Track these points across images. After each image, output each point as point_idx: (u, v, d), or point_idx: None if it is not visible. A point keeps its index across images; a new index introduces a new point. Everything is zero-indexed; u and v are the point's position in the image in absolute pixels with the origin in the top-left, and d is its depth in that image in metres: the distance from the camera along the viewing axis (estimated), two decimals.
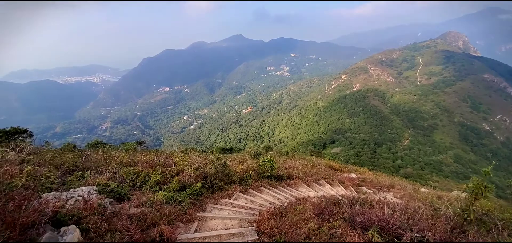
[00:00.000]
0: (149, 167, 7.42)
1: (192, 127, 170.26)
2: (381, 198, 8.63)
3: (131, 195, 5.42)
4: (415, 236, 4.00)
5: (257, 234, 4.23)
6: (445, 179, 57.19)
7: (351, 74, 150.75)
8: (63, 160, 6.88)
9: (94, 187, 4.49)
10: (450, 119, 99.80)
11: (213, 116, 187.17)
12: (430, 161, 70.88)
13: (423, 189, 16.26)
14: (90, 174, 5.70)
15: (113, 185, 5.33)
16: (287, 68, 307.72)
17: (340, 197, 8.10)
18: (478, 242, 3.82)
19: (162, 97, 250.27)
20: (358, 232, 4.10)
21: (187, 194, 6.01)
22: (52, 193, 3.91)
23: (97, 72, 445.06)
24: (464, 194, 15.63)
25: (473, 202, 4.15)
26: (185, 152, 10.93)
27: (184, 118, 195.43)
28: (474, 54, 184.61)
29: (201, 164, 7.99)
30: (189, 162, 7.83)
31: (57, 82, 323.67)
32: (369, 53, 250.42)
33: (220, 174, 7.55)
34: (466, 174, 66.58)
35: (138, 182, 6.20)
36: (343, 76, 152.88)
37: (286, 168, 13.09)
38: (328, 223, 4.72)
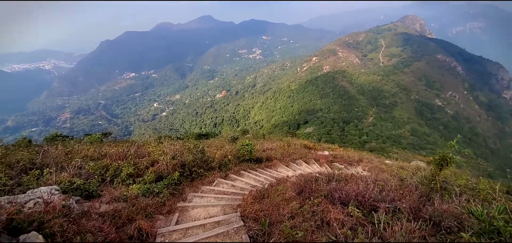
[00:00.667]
0: (120, 159, 6.90)
1: (164, 114, 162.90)
2: (353, 172, 9.18)
3: (101, 191, 4.97)
4: (388, 206, 4.31)
5: (242, 219, 4.19)
6: (404, 151, 63.14)
7: (321, 56, 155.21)
8: (17, 158, 6.06)
9: (56, 187, 3.98)
10: (408, 97, 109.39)
11: (186, 101, 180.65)
12: (391, 135, 77.56)
13: (387, 161, 17.79)
14: (50, 172, 5.07)
15: (79, 182, 4.82)
16: (260, 51, 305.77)
17: (317, 175, 8.45)
18: (444, 208, 4.22)
19: (128, 84, 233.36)
20: (338, 207, 4.28)
21: (165, 185, 5.71)
22: (5, 196, 3.37)
23: (48, 57, 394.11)
24: (422, 163, 17.42)
25: (439, 172, 4.54)
26: (158, 140, 10.37)
27: (155, 105, 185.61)
28: (429, 36, 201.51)
29: (177, 152, 7.63)
30: (164, 151, 7.43)
31: (2, 70, 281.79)
32: (337, 35, 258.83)
33: (198, 161, 7.31)
34: (421, 145, 74.52)
35: (107, 176, 5.71)
36: (314, 59, 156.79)
37: (264, 150, 13.23)
38: (309, 201, 4.86)
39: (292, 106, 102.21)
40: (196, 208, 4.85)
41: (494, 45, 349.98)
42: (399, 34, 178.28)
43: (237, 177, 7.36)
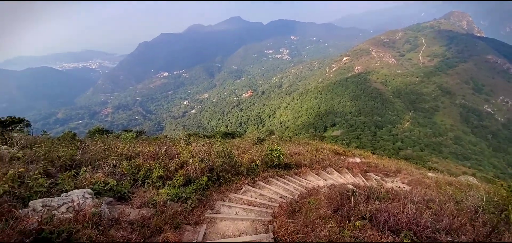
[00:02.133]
0: (151, 159, 6.97)
1: (193, 111, 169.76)
2: (394, 186, 8.24)
3: (133, 193, 4.98)
4: (451, 241, 3.59)
5: (275, 241, 3.81)
6: (445, 160, 57.44)
7: (353, 56, 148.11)
8: (58, 154, 6.39)
9: (89, 190, 4.01)
10: (452, 101, 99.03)
11: (214, 100, 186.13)
12: (430, 143, 70.95)
13: (430, 174, 15.97)
14: (86, 171, 5.22)
15: (112, 183, 4.87)
16: (287, 51, 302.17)
17: (351, 186, 7.72)
18: None
19: (162, 82, 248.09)
20: (388, 236, 3.68)
21: (193, 190, 5.58)
22: (41, 199, 3.44)
23: (93, 57, 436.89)
24: (472, 179, 15.34)
25: None
26: (188, 140, 10.46)
27: (185, 103, 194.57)
28: (478, 34, 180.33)
29: (205, 154, 7.53)
30: (193, 154, 7.36)
31: (54, 68, 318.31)
32: (371, 34, 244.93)
33: (226, 166, 7.12)
34: (465, 155, 67.05)
35: (139, 177, 5.75)
36: (345, 59, 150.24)
37: (291, 155, 12.70)
38: (349, 223, 4.30)
39: (319, 108, 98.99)
40: (225, 220, 4.60)
41: None
42: (443, 32, 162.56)
43: (265, 185, 7.01)
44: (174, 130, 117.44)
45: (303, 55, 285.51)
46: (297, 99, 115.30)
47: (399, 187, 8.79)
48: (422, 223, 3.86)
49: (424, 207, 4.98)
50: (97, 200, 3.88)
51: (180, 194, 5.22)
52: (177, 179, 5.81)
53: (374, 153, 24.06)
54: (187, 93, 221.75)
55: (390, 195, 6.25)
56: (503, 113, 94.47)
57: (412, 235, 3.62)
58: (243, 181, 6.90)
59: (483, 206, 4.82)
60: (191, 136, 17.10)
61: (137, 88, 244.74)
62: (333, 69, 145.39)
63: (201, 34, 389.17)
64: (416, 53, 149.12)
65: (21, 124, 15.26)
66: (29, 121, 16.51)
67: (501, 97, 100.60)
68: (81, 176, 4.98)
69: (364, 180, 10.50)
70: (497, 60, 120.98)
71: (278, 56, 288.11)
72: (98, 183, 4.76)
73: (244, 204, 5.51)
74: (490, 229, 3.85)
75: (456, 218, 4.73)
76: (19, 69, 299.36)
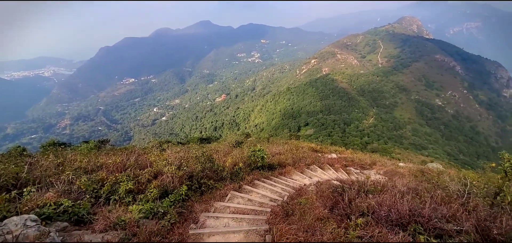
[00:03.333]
0: (118, 171, 5.99)
1: (163, 118, 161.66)
2: (378, 179, 8.29)
3: (94, 214, 4.06)
4: (455, 229, 3.43)
5: None
6: (406, 151, 62.26)
7: (320, 58, 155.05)
8: None
9: (32, 216, 3.06)
10: (408, 97, 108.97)
11: (186, 106, 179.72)
12: (392, 136, 76.73)
13: (401, 164, 16.92)
14: (32, 191, 4.16)
15: (67, 204, 3.91)
16: (258, 54, 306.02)
17: (337, 182, 7.56)
18: None
19: (127, 89, 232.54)
20: (397, 232, 3.39)
21: (171, 202, 4.81)
22: None
23: (47, 64, 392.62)
24: (437, 165, 16.48)
25: (507, 182, 3.66)
26: (161, 147, 9.47)
27: (154, 109, 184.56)
28: (427, 36, 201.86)
29: (183, 161, 6.74)
30: (169, 161, 6.52)
31: (1, 78, 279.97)
32: (335, 38, 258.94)
33: (207, 171, 6.42)
34: (422, 145, 73.87)
35: (103, 193, 4.80)
36: (313, 61, 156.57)
37: (273, 156, 12.35)
38: (349, 221, 3.97)
39: (292, 109, 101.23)
40: (213, 235, 3.94)
41: (491, 44, 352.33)
42: (396, 35, 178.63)
43: (251, 189, 6.47)
44: (143, 139, 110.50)
45: (274, 58, 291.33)
46: (271, 101, 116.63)
47: (382, 178, 8.89)
48: (425, 213, 3.66)
49: (416, 196, 4.89)
50: (44, 227, 2.97)
51: (155, 209, 4.41)
52: (151, 192, 4.98)
53: (348, 149, 24.99)
54: (156, 99, 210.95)
55: (379, 187, 6.16)
56: (452, 106, 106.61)
57: (420, 228, 3.39)
58: (228, 186, 6.27)
59: (472, 191, 4.89)
60: (164, 144, 15.82)
61: (100, 96, 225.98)
62: (303, 71, 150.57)
63: (169, 37, 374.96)
64: (375, 54, 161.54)
65: None
66: None
67: (449, 92, 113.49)
68: (25, 198, 3.94)
69: (347, 174, 10.53)
70: (444, 59, 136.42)
71: (249, 60, 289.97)
72: (48, 205, 3.78)
73: (233, 212, 4.90)
74: (487, 213, 3.80)
75: (448, 204, 4.70)
76: None
